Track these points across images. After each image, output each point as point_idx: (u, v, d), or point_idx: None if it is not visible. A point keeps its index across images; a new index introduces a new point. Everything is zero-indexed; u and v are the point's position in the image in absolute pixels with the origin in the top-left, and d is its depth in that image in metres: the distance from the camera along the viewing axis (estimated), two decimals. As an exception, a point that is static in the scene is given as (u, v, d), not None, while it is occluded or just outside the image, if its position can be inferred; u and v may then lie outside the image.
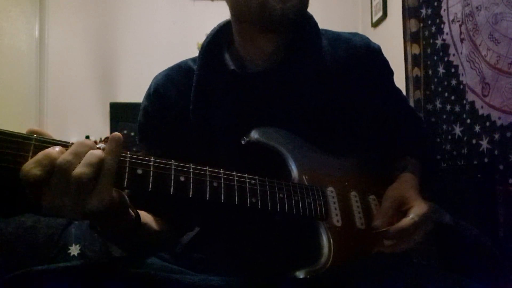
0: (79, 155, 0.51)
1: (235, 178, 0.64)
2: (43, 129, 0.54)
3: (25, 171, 0.49)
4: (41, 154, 0.50)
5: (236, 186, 0.64)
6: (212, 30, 0.84)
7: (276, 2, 0.69)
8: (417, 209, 0.68)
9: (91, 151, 0.52)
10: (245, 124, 0.74)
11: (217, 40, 0.82)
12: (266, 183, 0.67)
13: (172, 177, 0.59)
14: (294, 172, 0.73)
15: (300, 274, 0.63)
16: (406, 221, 0.67)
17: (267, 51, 0.78)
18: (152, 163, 0.58)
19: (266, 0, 0.69)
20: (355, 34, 0.85)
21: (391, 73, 0.88)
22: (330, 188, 0.74)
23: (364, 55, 0.82)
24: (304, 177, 0.73)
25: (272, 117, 0.77)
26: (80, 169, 0.50)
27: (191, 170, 0.61)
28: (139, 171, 0.57)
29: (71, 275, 0.61)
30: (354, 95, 0.81)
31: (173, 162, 0.60)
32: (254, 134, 0.72)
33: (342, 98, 0.80)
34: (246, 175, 0.66)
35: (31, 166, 0.49)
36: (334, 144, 0.79)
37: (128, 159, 0.57)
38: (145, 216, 0.72)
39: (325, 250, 0.68)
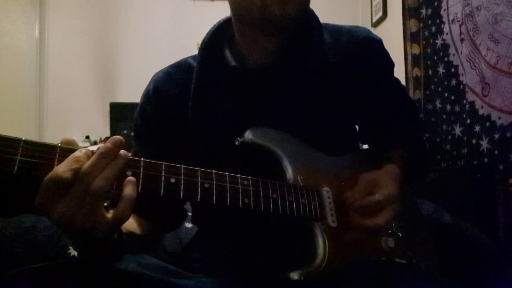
0: (99, 167, 0.51)
1: (227, 179, 0.63)
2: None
3: (58, 174, 0.49)
4: (71, 158, 0.50)
5: (228, 187, 0.62)
6: (212, 27, 0.84)
7: (276, 6, 0.69)
8: (384, 190, 0.71)
9: (111, 164, 0.52)
10: (245, 121, 0.73)
11: (218, 37, 0.82)
12: (259, 184, 0.65)
13: (163, 179, 0.58)
14: (289, 172, 0.72)
15: (294, 276, 0.62)
16: (370, 198, 0.70)
17: (269, 49, 0.78)
18: (142, 165, 0.56)
19: (266, 5, 0.69)
20: (357, 27, 0.86)
21: (392, 64, 0.89)
22: (325, 188, 0.73)
23: (366, 46, 0.82)
24: (299, 177, 0.72)
25: (272, 114, 0.77)
26: (99, 183, 0.50)
27: (182, 171, 0.59)
28: (129, 173, 0.55)
29: (68, 273, 0.60)
30: (356, 87, 0.81)
31: (163, 163, 0.58)
32: (248, 135, 0.71)
33: (344, 91, 0.80)
34: (238, 176, 0.64)
35: (64, 169, 0.49)
36: (331, 143, 0.79)
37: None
38: (129, 224, 0.69)
39: (320, 250, 0.67)
